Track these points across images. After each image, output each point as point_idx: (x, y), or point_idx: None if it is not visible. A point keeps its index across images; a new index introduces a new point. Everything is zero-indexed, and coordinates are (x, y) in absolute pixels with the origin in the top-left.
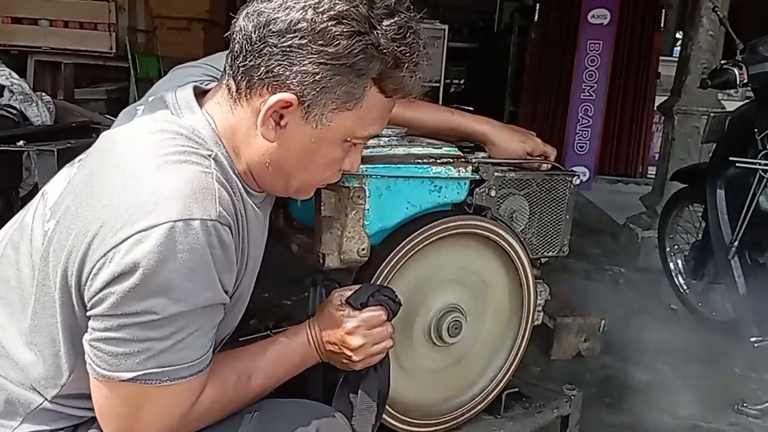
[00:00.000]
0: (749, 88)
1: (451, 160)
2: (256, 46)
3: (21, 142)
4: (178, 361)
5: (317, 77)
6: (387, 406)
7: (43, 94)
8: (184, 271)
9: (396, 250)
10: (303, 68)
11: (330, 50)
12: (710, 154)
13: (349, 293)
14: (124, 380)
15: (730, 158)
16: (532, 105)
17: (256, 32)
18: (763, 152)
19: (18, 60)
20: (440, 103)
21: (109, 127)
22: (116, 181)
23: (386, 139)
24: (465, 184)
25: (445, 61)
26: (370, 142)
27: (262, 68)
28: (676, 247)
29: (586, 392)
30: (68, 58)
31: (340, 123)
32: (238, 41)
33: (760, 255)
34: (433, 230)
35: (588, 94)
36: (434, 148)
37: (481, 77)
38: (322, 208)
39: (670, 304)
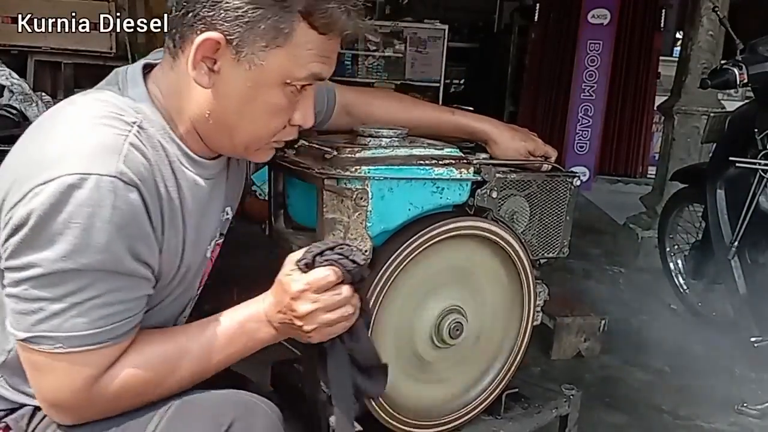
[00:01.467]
0: (749, 88)
1: (453, 162)
2: None
3: None
4: (71, 328)
5: (240, 12)
6: (387, 407)
7: (43, 94)
8: (73, 227)
9: (398, 251)
10: (226, 5)
11: None
12: (710, 154)
13: (300, 254)
14: (20, 340)
15: (730, 158)
16: (532, 105)
17: None
18: (763, 152)
19: (18, 60)
20: (440, 103)
21: None
22: (33, 142)
23: (387, 140)
24: (467, 185)
25: (445, 61)
26: (372, 143)
27: (190, 14)
28: (676, 247)
29: (586, 392)
30: (68, 58)
31: (274, 62)
32: None
33: (760, 255)
34: (435, 232)
35: (588, 94)
36: (436, 149)
37: (481, 77)
38: (324, 209)
39: (670, 304)
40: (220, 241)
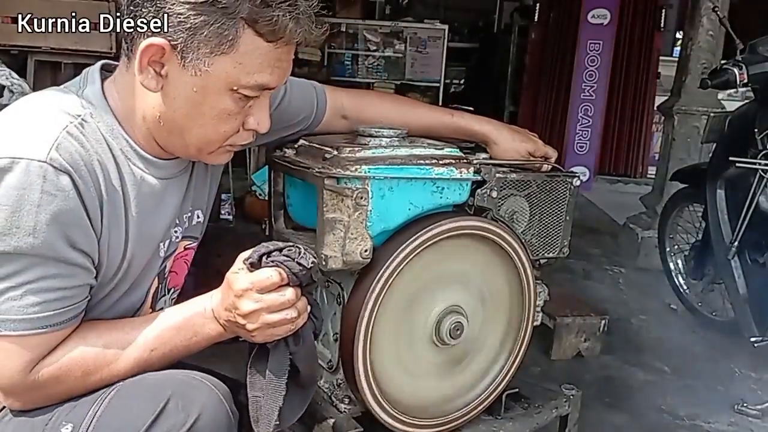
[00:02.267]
0: (749, 88)
1: (453, 161)
2: (132, 0)
3: None
4: (6, 312)
5: (183, 17)
6: (388, 407)
7: None
8: (1, 209)
9: (398, 251)
10: (169, 10)
11: None
12: (710, 154)
13: (248, 253)
14: None
15: (730, 158)
16: (532, 105)
17: None
18: (763, 152)
19: (18, 60)
20: (440, 103)
21: None
22: None
23: (388, 140)
24: (467, 185)
25: (445, 61)
26: (372, 143)
27: (138, 20)
28: (676, 247)
29: (586, 392)
30: (68, 58)
31: (220, 69)
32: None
33: (760, 255)
34: (436, 231)
35: (588, 94)
36: (436, 149)
37: (481, 77)
38: (324, 209)
39: (670, 304)
40: (193, 244)
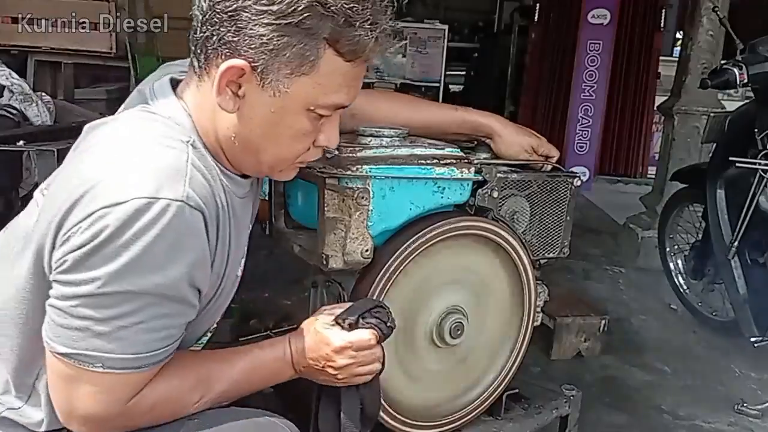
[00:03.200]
0: (749, 88)
1: (454, 161)
2: (207, 16)
3: (21, 142)
4: (113, 350)
5: (265, 39)
6: (389, 408)
7: (43, 94)
8: (136, 248)
9: (400, 251)
10: (251, 31)
11: (274, 8)
12: (710, 154)
13: (339, 311)
14: (59, 353)
15: (730, 158)
16: (532, 105)
17: (207, 1)
18: (763, 152)
19: (18, 60)
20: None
21: None
22: (91, 163)
23: (388, 139)
24: (468, 185)
25: (445, 61)
26: (373, 142)
27: (215, 38)
28: (676, 247)
29: (586, 392)
30: (68, 58)
31: (299, 89)
32: (194, 16)
33: (760, 255)
34: (437, 231)
35: (588, 94)
36: (437, 148)
37: (481, 77)
38: (325, 209)
39: (670, 304)
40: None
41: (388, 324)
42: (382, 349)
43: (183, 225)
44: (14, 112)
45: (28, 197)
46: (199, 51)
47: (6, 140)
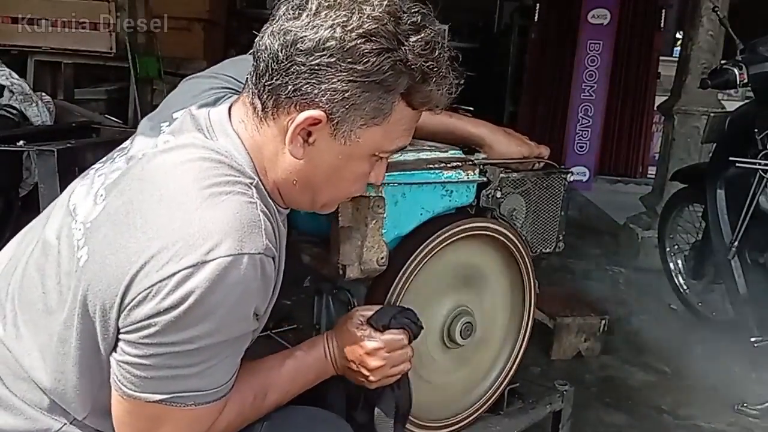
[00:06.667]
0: (749, 88)
1: (460, 164)
2: (283, 65)
3: (21, 142)
4: (205, 387)
5: (346, 95)
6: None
7: (43, 94)
8: (227, 305)
9: (413, 255)
10: (332, 86)
11: (359, 68)
12: (710, 154)
13: (370, 313)
14: (150, 401)
15: (730, 158)
16: (532, 105)
17: (283, 51)
18: (763, 152)
19: (18, 60)
20: None
21: (109, 127)
22: (161, 213)
23: None
24: (473, 186)
25: None
26: None
27: (290, 87)
28: (676, 247)
29: (586, 392)
30: (68, 58)
31: (369, 138)
32: (263, 60)
33: (760, 255)
34: (449, 233)
35: (588, 94)
36: (441, 152)
37: (480, 77)
38: (340, 218)
39: (670, 304)
40: None
41: (418, 324)
42: (412, 349)
43: (263, 275)
44: (14, 112)
45: (28, 197)
46: (267, 96)
47: (6, 140)
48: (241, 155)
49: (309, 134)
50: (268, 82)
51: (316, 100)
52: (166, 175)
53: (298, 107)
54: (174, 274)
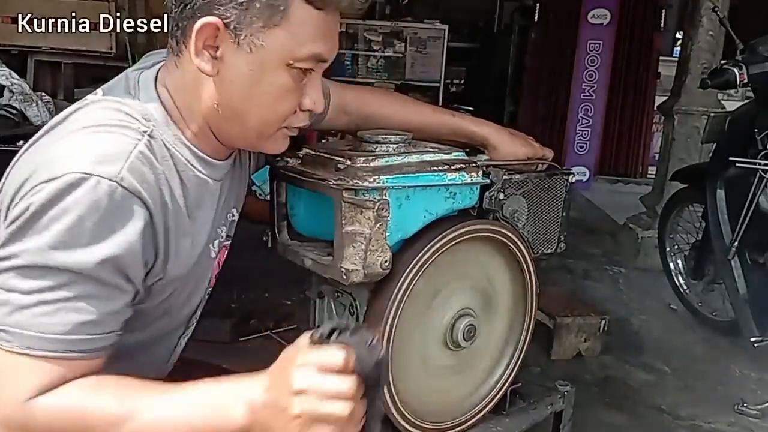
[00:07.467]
0: (749, 88)
1: (464, 166)
2: None
3: (21, 142)
4: (32, 327)
5: None
6: (409, 415)
7: (43, 94)
8: (61, 222)
9: (417, 258)
10: None
11: None
12: (710, 154)
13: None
14: None
15: (730, 158)
16: (532, 105)
17: None
18: (763, 152)
19: (18, 60)
20: (440, 103)
21: None
22: (43, 146)
23: (395, 146)
24: (476, 188)
25: (445, 61)
26: (379, 149)
27: (188, 7)
28: (676, 247)
29: (586, 392)
30: (68, 58)
31: (273, 42)
32: (168, 3)
33: (760, 255)
34: (453, 235)
35: (588, 94)
36: (444, 153)
37: (481, 77)
38: (343, 222)
39: (670, 304)
40: (227, 242)
41: (368, 348)
42: (365, 398)
43: (113, 206)
44: (14, 112)
45: None
46: (175, 27)
47: (6, 140)
48: (156, 111)
49: (216, 49)
50: (174, 13)
51: (211, 9)
52: (64, 118)
53: (197, 21)
54: (30, 190)
